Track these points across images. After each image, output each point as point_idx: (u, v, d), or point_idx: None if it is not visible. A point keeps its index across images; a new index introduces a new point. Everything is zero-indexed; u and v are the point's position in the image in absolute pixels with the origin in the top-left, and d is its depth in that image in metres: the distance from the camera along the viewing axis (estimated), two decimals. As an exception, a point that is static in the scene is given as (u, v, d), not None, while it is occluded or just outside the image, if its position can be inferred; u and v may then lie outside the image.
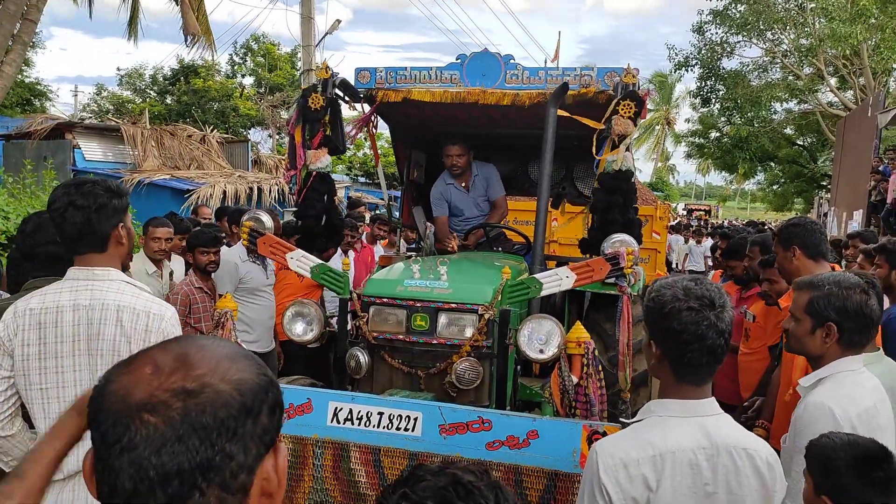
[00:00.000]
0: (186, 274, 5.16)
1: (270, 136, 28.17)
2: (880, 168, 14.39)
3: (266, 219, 4.07)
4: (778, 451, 3.05)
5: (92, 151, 14.83)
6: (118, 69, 32.01)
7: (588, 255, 4.33)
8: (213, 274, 4.91)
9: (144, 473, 0.80)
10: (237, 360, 0.90)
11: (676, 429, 1.80)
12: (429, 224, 5.34)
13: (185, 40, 13.37)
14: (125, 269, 2.51)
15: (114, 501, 0.82)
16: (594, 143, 4.18)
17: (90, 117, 25.35)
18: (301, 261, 3.94)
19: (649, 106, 4.33)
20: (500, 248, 5.50)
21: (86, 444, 2.20)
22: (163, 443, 0.80)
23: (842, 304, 2.27)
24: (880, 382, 2.57)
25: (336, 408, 3.22)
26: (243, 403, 0.85)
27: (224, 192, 12.87)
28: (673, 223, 18.15)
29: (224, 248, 5.12)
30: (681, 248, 17.42)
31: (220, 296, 4.07)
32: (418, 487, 1.04)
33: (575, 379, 3.17)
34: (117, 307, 2.24)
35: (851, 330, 2.29)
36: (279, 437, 0.93)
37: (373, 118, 5.12)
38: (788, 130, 30.95)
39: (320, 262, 3.96)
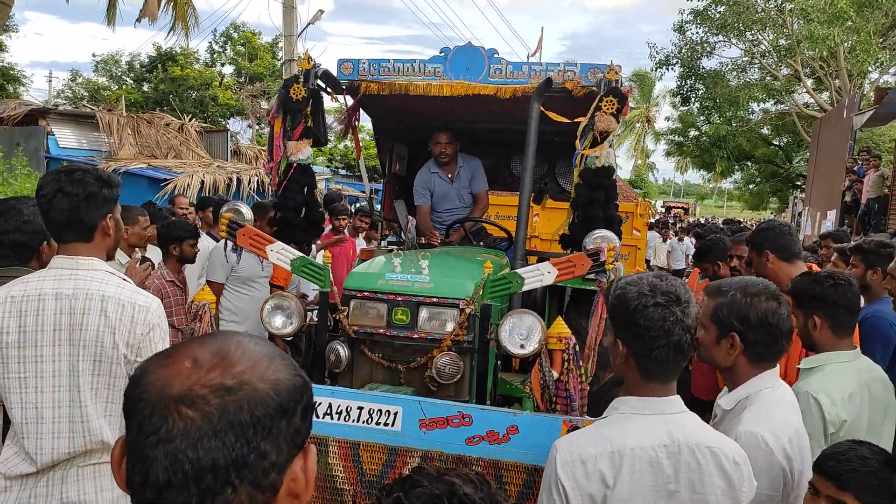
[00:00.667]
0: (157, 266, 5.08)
1: (250, 126, 27.90)
2: (854, 168, 14.62)
3: (245, 210, 4.03)
4: None
5: (66, 138, 14.60)
6: (94, 55, 31.53)
7: (569, 251, 4.34)
8: (207, 261, 4.84)
9: (179, 466, 0.81)
10: (275, 359, 0.91)
11: (637, 426, 1.79)
12: (411, 218, 5.32)
13: (136, 21, 13.28)
14: (109, 260, 2.47)
15: (145, 492, 0.83)
16: (578, 137, 4.19)
17: (64, 104, 24.91)
18: (281, 253, 3.90)
19: (630, 104, 4.35)
20: (481, 243, 5.50)
21: (61, 439, 2.16)
22: (199, 437, 0.81)
23: (745, 312, 2.12)
24: (856, 380, 2.61)
25: (315, 402, 3.19)
26: (279, 403, 0.87)
27: (202, 182, 12.74)
28: (652, 220, 18.23)
29: (205, 237, 5.06)
30: (660, 245, 17.30)
31: (205, 284, 4.01)
32: (413, 493, 1.00)
33: (555, 374, 3.18)
34: (102, 297, 2.20)
35: (756, 342, 2.14)
36: (309, 439, 0.94)
37: (351, 110, 5.08)
38: (765, 130, 31.34)
39: (300, 254, 3.93)
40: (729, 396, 2.24)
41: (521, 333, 3.44)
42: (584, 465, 1.75)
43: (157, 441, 0.82)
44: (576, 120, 4.22)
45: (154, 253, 5.41)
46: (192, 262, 4.81)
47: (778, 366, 2.24)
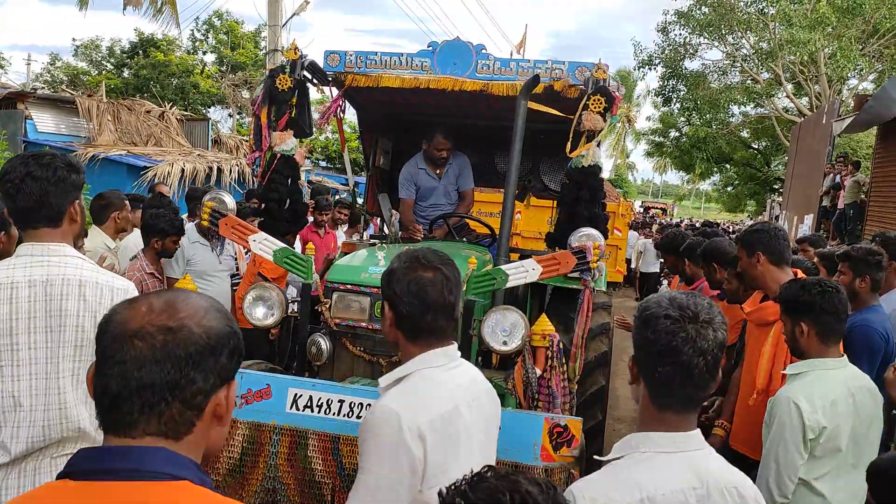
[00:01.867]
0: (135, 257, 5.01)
1: (231, 115, 27.65)
2: (835, 180, 14.79)
3: (228, 199, 3.98)
4: (738, 453, 3.12)
5: (44, 123, 14.37)
6: (74, 39, 31.02)
7: (554, 249, 4.34)
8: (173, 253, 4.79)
9: (127, 382, 1.09)
10: (210, 311, 1.17)
11: (664, 467, 1.60)
12: (394, 211, 5.29)
13: (123, 9, 13.12)
14: (76, 247, 2.43)
15: (103, 400, 1.11)
16: (570, 139, 4.18)
17: (43, 88, 24.51)
18: (263, 244, 3.87)
19: (610, 119, 4.33)
20: (464, 239, 5.49)
21: (37, 427, 2.11)
22: (144, 362, 1.08)
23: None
24: (842, 388, 2.62)
25: (296, 394, 3.17)
26: (209, 344, 1.12)
27: (182, 171, 12.60)
28: (632, 220, 18.23)
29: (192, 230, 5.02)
30: (637, 244, 17.29)
31: (186, 273, 3.94)
32: (478, 487, 1.05)
33: (538, 371, 3.18)
34: (80, 282, 2.17)
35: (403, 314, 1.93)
36: (234, 377, 1.20)
37: (340, 102, 5.04)
38: (745, 133, 31.69)
39: (283, 245, 3.89)
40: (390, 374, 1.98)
41: (504, 330, 3.44)
42: None
43: (114, 363, 1.09)
44: (565, 115, 4.21)
45: (136, 238, 5.33)
46: (171, 256, 4.75)
47: (450, 347, 1.97)
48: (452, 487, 1.09)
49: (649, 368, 1.64)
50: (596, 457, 1.72)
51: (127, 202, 4.86)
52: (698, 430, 1.68)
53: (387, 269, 1.95)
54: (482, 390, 1.98)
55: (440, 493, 1.10)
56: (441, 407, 1.82)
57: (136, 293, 2.27)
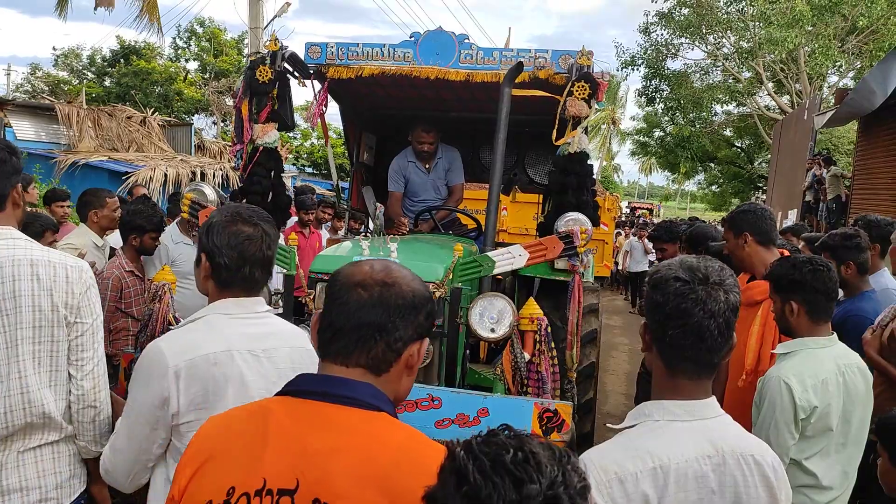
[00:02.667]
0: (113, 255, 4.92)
1: (215, 122, 27.48)
2: (819, 175, 14.88)
3: (209, 191, 3.92)
4: None
5: (24, 130, 14.21)
6: (54, 48, 30.78)
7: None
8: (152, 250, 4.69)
9: (349, 319, 1.34)
10: (416, 279, 1.43)
11: (678, 435, 1.57)
12: (379, 205, 5.24)
13: (95, 9, 13.03)
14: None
15: (326, 333, 1.37)
16: (555, 127, 4.15)
17: (23, 97, 24.26)
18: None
19: (596, 105, 4.30)
20: (450, 232, 5.45)
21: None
22: (363, 305, 1.34)
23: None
24: (832, 366, 2.59)
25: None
26: (413, 302, 1.37)
27: (165, 176, 12.48)
28: (620, 219, 18.27)
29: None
30: (622, 243, 16.81)
31: (165, 265, 3.85)
32: (487, 441, 1.03)
33: (527, 356, 3.13)
34: (31, 262, 2.09)
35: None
36: (426, 337, 1.43)
37: (319, 95, 4.98)
38: (728, 132, 31.90)
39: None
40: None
41: (491, 317, 3.40)
42: (622, 484, 1.51)
43: (340, 304, 1.35)
44: (551, 95, 4.17)
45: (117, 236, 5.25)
46: (150, 254, 4.65)
47: (248, 299, 2.01)
48: (468, 440, 1.06)
49: (660, 332, 1.61)
50: (609, 424, 1.69)
51: (109, 199, 4.77)
52: (713, 398, 1.65)
53: (206, 223, 2.00)
54: (286, 346, 1.98)
55: (447, 444, 1.07)
56: (207, 349, 1.86)
57: (90, 272, 2.23)
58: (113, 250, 4.99)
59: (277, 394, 1.36)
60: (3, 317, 2.04)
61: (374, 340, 1.33)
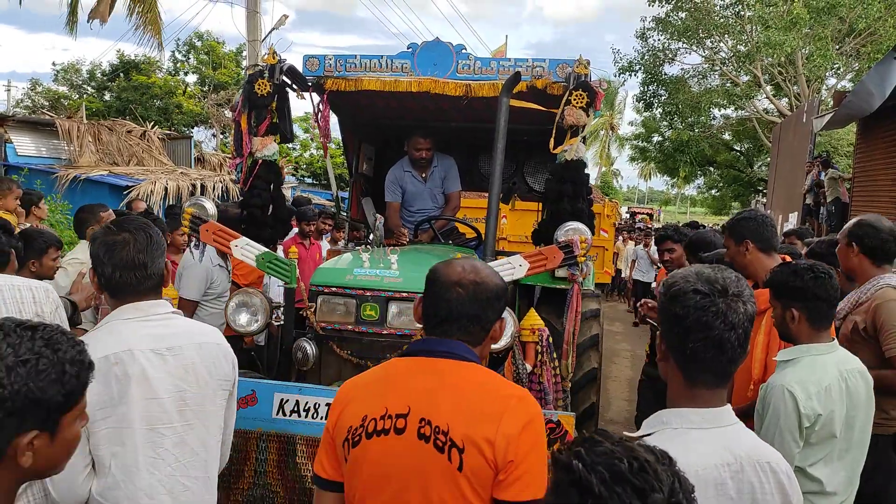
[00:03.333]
0: None
1: (214, 135, 27.53)
2: (819, 176, 14.88)
3: (209, 205, 3.92)
4: None
5: (25, 146, 14.23)
6: (54, 64, 30.91)
7: (540, 246, 4.30)
8: (182, 275, 4.65)
9: (450, 312, 1.76)
10: (495, 274, 1.86)
11: (698, 443, 1.58)
12: (378, 216, 5.24)
13: (88, 21, 13.12)
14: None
15: (430, 319, 1.81)
16: (553, 136, 4.15)
17: (23, 113, 24.32)
18: (246, 249, 3.80)
19: (594, 114, 4.30)
20: (450, 242, 5.44)
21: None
22: (462, 301, 1.76)
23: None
24: (834, 372, 2.57)
25: (282, 399, 3.11)
26: (496, 293, 1.80)
27: (166, 189, 12.49)
28: (617, 223, 18.09)
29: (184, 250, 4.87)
30: (627, 251, 16.28)
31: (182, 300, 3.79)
32: (594, 451, 1.01)
33: (529, 367, 3.12)
34: None
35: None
36: (503, 316, 1.88)
37: (321, 107, 4.99)
38: (727, 136, 31.91)
39: (266, 250, 3.83)
40: None
41: (493, 327, 3.38)
42: None
43: (443, 300, 1.77)
44: (548, 109, 4.18)
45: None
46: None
47: (146, 302, 2.12)
48: (565, 447, 1.06)
49: (680, 344, 1.63)
50: (626, 433, 1.69)
51: (102, 214, 4.75)
52: (728, 406, 1.67)
53: (91, 236, 2.17)
54: (192, 343, 2.10)
55: (555, 457, 1.05)
56: (106, 350, 1.95)
57: (54, 292, 2.27)
58: None
59: (397, 355, 1.92)
60: None
61: (471, 326, 1.77)
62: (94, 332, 2.05)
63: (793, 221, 16.24)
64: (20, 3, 13.29)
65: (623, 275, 16.47)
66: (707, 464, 1.56)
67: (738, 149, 33.38)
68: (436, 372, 1.72)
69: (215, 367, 2.12)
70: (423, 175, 5.47)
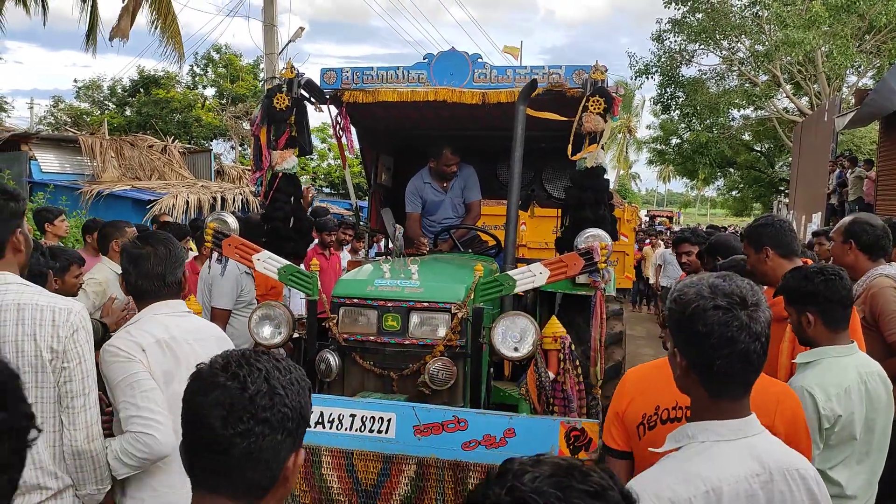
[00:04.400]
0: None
1: (233, 147, 27.81)
2: (841, 176, 14.71)
3: (231, 220, 3.96)
4: None
5: (49, 163, 14.48)
6: (75, 81, 31.44)
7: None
8: (213, 286, 4.70)
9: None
10: None
11: (726, 456, 1.56)
12: (398, 226, 5.25)
13: (110, 40, 13.34)
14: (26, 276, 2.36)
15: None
16: (570, 143, 4.15)
17: (47, 130, 24.74)
18: (268, 262, 3.83)
19: (611, 120, 4.29)
20: (470, 250, 5.45)
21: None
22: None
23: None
24: (853, 375, 2.56)
25: (306, 412, 3.12)
26: None
27: (187, 203, 12.64)
28: (637, 227, 17.61)
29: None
30: (655, 256, 14.63)
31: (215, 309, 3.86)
32: (525, 479, 0.96)
33: (552, 375, 3.12)
34: (17, 306, 2.09)
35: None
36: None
37: (339, 119, 5.03)
38: (746, 136, 31.62)
39: (287, 262, 3.86)
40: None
41: (514, 336, 3.38)
42: None
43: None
44: (566, 119, 4.18)
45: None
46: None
47: (172, 301, 2.55)
48: (487, 487, 0.99)
49: (704, 362, 1.59)
50: (651, 449, 1.72)
51: (129, 229, 4.81)
52: (754, 415, 1.65)
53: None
54: (210, 335, 2.55)
55: (484, 497, 0.98)
56: (157, 335, 2.37)
57: (82, 313, 2.24)
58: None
59: None
60: None
61: None
62: (139, 322, 2.42)
63: (816, 221, 16.06)
64: (44, 23, 13.52)
65: (650, 282, 15.51)
66: (737, 476, 1.54)
67: (759, 149, 33.07)
68: None
69: None
70: (444, 185, 5.49)
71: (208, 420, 1.20)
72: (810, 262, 3.33)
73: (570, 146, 4.14)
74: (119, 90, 29.38)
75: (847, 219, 3.68)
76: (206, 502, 1.23)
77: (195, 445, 1.23)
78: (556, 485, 0.94)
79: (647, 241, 16.81)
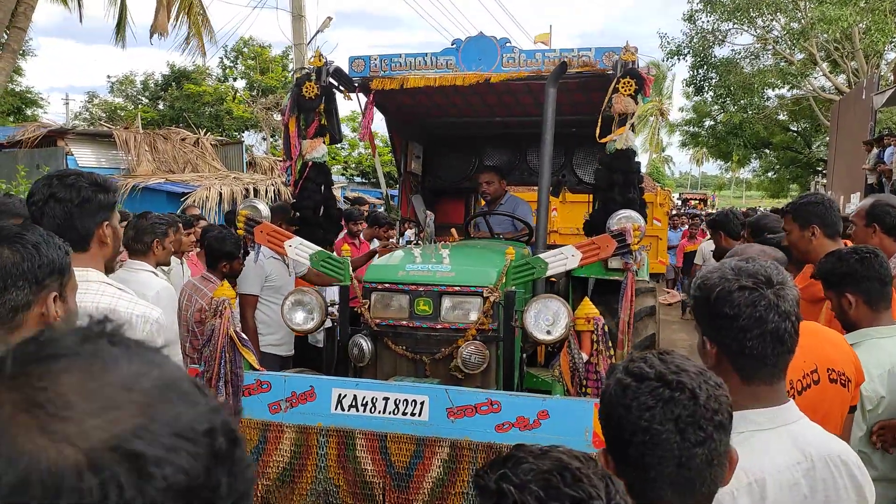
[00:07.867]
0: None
1: (265, 138, 28.08)
2: (879, 153, 14.31)
3: (262, 207, 4.01)
4: None
5: (85, 157, 14.75)
6: (108, 76, 31.98)
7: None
8: (240, 274, 4.78)
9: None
10: None
11: (767, 446, 1.53)
12: (429, 213, 5.27)
13: (150, 38, 13.51)
14: (109, 270, 2.33)
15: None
16: (598, 126, 4.11)
17: (82, 125, 25.23)
18: (300, 248, 3.88)
19: (642, 101, 4.24)
20: (501, 235, 5.44)
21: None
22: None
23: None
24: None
25: (340, 394, 3.16)
26: None
27: (220, 194, 12.79)
28: (671, 212, 17.14)
29: None
30: (702, 249, 12.50)
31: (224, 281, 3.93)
32: (520, 469, 0.96)
33: (585, 356, 3.11)
34: (94, 310, 2.11)
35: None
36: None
37: (367, 108, 5.04)
38: (782, 116, 30.96)
39: (319, 249, 3.90)
40: None
41: (546, 319, 3.37)
42: None
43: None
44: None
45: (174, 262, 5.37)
46: (237, 276, 4.68)
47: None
48: (487, 470, 1.00)
49: (735, 346, 1.55)
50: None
51: (171, 228, 4.85)
52: (791, 401, 1.62)
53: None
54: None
55: (479, 483, 1.00)
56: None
57: (161, 320, 2.19)
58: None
59: None
60: None
61: None
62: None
63: (855, 202, 15.69)
64: (80, 19, 13.75)
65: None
66: (780, 466, 1.51)
67: (795, 129, 32.35)
68: (818, 336, 2.22)
69: None
70: (491, 209, 5.52)
71: None
72: (850, 243, 3.27)
73: (598, 128, 4.10)
74: (151, 85, 29.84)
75: (867, 201, 3.56)
76: None
77: None
78: (544, 484, 0.93)
79: (698, 232, 14.04)
